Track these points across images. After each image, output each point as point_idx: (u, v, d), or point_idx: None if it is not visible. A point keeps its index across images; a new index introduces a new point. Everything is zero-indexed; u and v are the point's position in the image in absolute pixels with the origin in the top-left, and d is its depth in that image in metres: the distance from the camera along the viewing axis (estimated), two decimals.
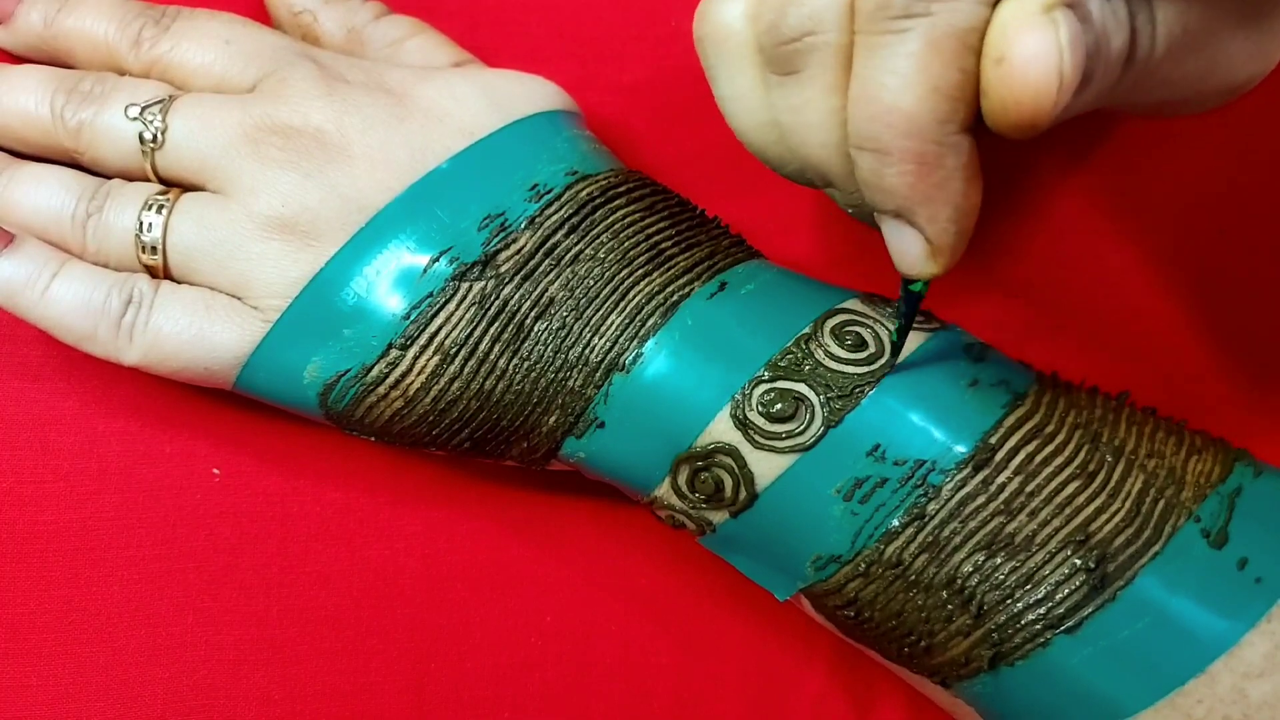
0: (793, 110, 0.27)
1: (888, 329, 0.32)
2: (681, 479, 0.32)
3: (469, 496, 0.37)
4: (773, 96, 0.28)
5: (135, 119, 0.33)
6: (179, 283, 0.34)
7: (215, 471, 0.36)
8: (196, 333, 0.33)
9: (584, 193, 0.33)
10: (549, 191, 0.33)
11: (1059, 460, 0.31)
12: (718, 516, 0.33)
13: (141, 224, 0.33)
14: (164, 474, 0.36)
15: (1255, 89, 0.30)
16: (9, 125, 0.34)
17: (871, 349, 0.32)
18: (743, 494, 0.32)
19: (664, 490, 0.33)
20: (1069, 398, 0.32)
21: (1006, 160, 0.39)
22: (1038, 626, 0.30)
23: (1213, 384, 0.40)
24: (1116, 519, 0.30)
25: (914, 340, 0.32)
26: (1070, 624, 0.30)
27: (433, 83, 0.34)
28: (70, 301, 0.33)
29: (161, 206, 0.33)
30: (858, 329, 0.32)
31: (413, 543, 0.37)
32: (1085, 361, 0.38)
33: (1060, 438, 0.31)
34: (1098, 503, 0.30)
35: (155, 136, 0.33)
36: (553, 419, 0.33)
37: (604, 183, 0.33)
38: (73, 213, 0.33)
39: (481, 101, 0.34)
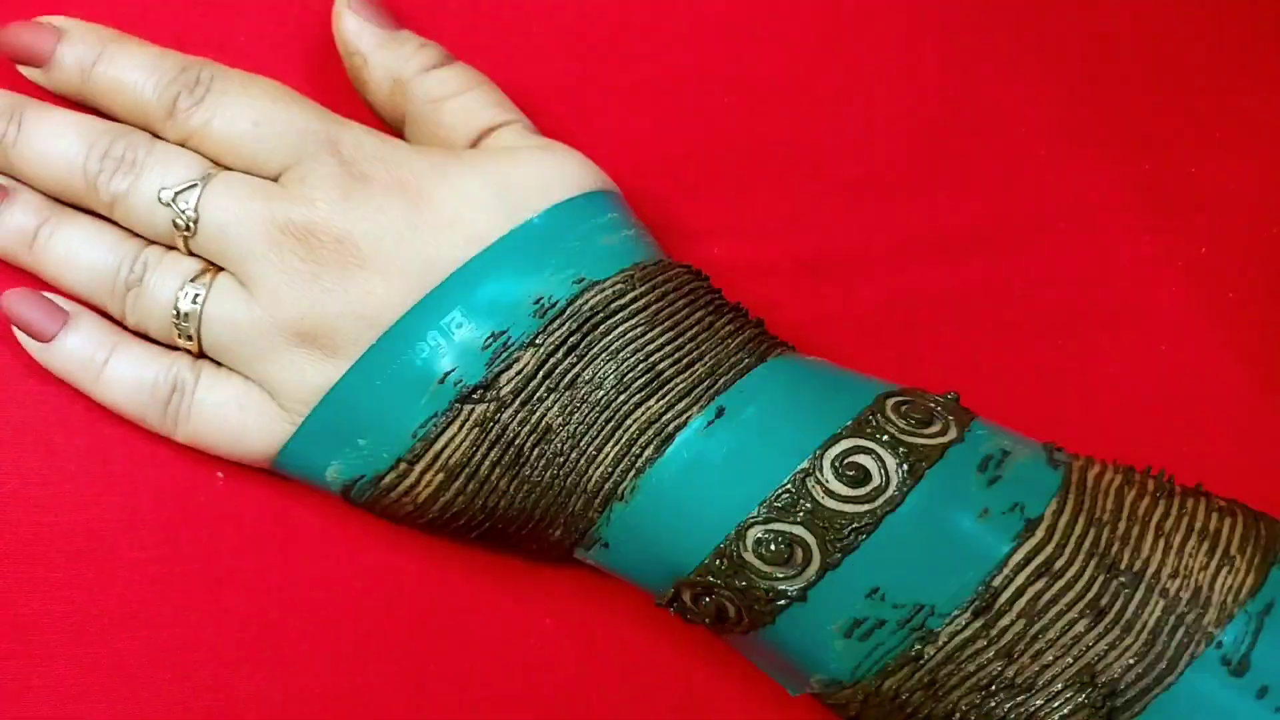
0: None
1: (897, 452, 0.31)
2: (685, 598, 0.33)
3: None
4: None
5: (168, 204, 0.34)
6: (218, 362, 0.35)
7: (219, 475, 0.37)
8: (232, 430, 0.35)
9: (587, 306, 0.32)
10: (553, 305, 0.32)
11: (1068, 597, 0.30)
12: (724, 630, 0.33)
13: (178, 310, 0.34)
14: (169, 477, 0.36)
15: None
16: (42, 177, 0.35)
17: (875, 482, 0.31)
18: (745, 620, 0.32)
19: (669, 602, 0.33)
20: (1090, 514, 0.31)
21: (1021, 158, 0.40)
22: None
23: (1218, 380, 0.40)
24: (1128, 655, 0.30)
25: (930, 455, 0.31)
26: None
27: (448, 180, 0.33)
28: (123, 387, 0.35)
29: (195, 295, 0.34)
30: (862, 459, 0.31)
31: (413, 546, 0.37)
32: (1093, 360, 0.39)
33: (1071, 571, 0.30)
34: (1109, 639, 0.30)
35: (187, 225, 0.34)
36: (558, 533, 0.33)
37: (610, 292, 0.33)
38: (113, 284, 0.35)
39: (493, 202, 0.33)
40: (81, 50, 0.35)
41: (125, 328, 0.36)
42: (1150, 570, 0.30)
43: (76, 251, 0.35)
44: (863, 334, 0.39)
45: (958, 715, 0.30)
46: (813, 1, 0.40)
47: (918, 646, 0.30)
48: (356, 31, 0.36)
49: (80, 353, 0.35)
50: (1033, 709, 0.30)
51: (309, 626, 0.36)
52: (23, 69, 0.36)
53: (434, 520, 0.34)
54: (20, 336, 0.35)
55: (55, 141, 0.35)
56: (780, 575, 0.31)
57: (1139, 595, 0.30)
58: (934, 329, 0.39)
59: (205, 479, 0.36)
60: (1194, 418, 0.39)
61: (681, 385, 0.32)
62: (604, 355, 0.32)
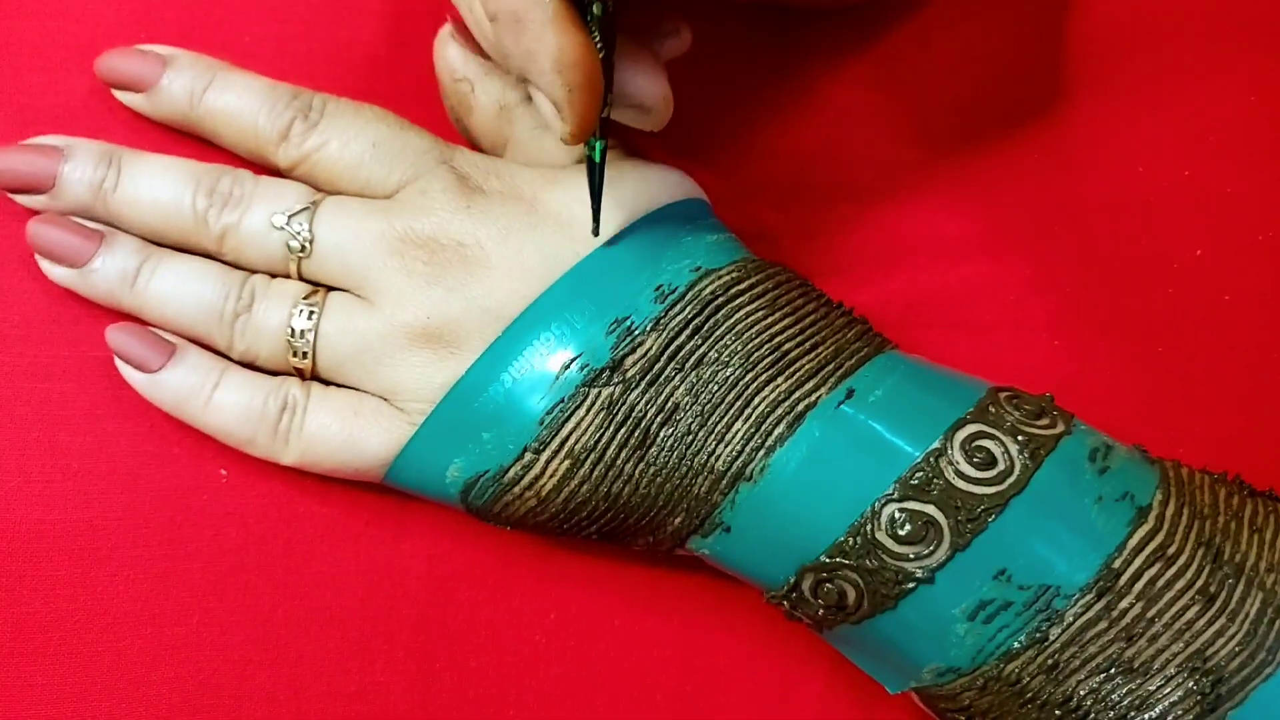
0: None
1: (1017, 440, 0.32)
2: (805, 585, 0.33)
3: None
4: None
5: (281, 228, 0.34)
6: (327, 381, 0.35)
7: (223, 472, 0.37)
8: (347, 438, 0.35)
9: (707, 290, 0.33)
10: (673, 291, 0.33)
11: (1180, 583, 0.31)
12: (839, 620, 0.33)
13: (292, 329, 0.34)
14: (172, 474, 0.36)
15: None
16: (146, 219, 0.35)
17: (1000, 466, 0.32)
18: (865, 606, 0.32)
19: (786, 591, 0.33)
20: (1192, 506, 0.32)
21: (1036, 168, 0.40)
22: None
23: (1214, 381, 0.40)
24: (1233, 642, 0.30)
25: (1045, 443, 0.32)
26: None
27: (561, 185, 0.34)
28: (232, 411, 0.35)
29: (310, 312, 0.34)
30: (987, 444, 0.32)
31: (417, 542, 0.37)
32: (1089, 362, 0.39)
33: (1183, 559, 0.31)
34: (1217, 625, 0.31)
35: (303, 246, 0.34)
36: (678, 520, 0.33)
37: (727, 278, 0.34)
38: (220, 311, 0.35)
39: (608, 202, 0.34)
40: (190, 77, 0.35)
41: (231, 360, 0.36)
42: (1249, 563, 0.31)
43: (180, 287, 0.35)
44: None
45: (1075, 700, 0.31)
46: (812, 3, 0.40)
47: (1044, 627, 0.31)
48: (462, 59, 0.36)
49: (187, 382, 0.35)
50: (1146, 694, 0.31)
51: (313, 623, 0.36)
52: (119, 94, 0.36)
53: (555, 515, 0.34)
54: (125, 371, 0.35)
55: (159, 183, 0.35)
56: (911, 555, 0.31)
57: (1241, 586, 0.31)
58: (931, 330, 0.40)
59: (209, 476, 0.37)
60: (1191, 419, 0.39)
61: (808, 366, 0.33)
62: (729, 335, 0.33)
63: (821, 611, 0.33)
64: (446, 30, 0.36)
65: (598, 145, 0.31)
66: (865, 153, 0.40)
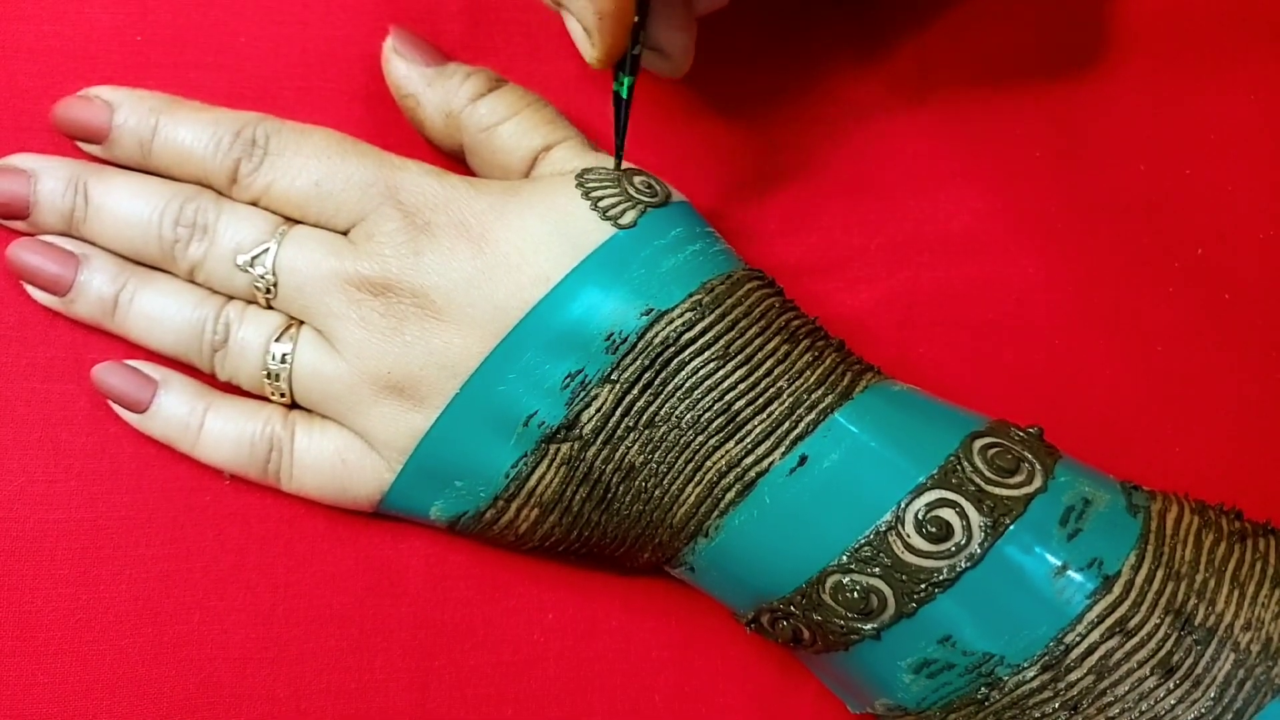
0: None
1: (981, 506, 0.31)
2: (764, 620, 0.34)
3: None
4: None
5: (244, 269, 0.35)
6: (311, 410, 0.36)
7: (225, 475, 0.37)
8: (336, 483, 0.36)
9: (658, 338, 0.32)
10: (624, 340, 0.33)
11: (1140, 655, 0.30)
12: (798, 649, 0.34)
13: (268, 371, 0.35)
14: (175, 475, 0.37)
15: None
16: (119, 245, 0.35)
17: (957, 537, 0.31)
18: (819, 644, 0.33)
19: (748, 621, 0.34)
20: (1168, 567, 0.31)
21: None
22: None
23: (1214, 380, 0.40)
24: (1196, 707, 0.30)
25: (1013, 508, 0.31)
26: None
27: (508, 221, 0.34)
28: (222, 448, 0.36)
29: (283, 355, 0.35)
30: (945, 513, 0.31)
31: (416, 542, 0.37)
32: (1089, 360, 0.39)
33: (1145, 629, 0.30)
34: (1179, 693, 0.30)
35: (268, 289, 0.35)
36: (647, 555, 0.34)
37: (679, 323, 0.33)
38: (199, 345, 0.35)
39: (555, 239, 0.33)
40: (135, 124, 0.35)
41: (218, 381, 0.36)
42: (1224, 624, 0.30)
43: (157, 316, 0.35)
44: (863, 333, 0.39)
45: None
46: (815, 3, 0.40)
47: (983, 690, 0.31)
48: (406, 74, 0.36)
49: (175, 418, 0.36)
50: None
51: (313, 623, 0.37)
52: (81, 145, 0.36)
53: (536, 547, 0.35)
54: (116, 408, 0.36)
55: (126, 210, 0.35)
56: (856, 618, 0.31)
57: (1210, 650, 0.30)
58: (933, 328, 0.40)
59: (211, 477, 0.37)
60: (1190, 418, 0.39)
61: (761, 427, 0.32)
62: (678, 394, 0.33)
63: (781, 641, 0.34)
64: (389, 45, 0.37)
65: (626, 81, 0.32)
66: (867, 151, 0.40)
